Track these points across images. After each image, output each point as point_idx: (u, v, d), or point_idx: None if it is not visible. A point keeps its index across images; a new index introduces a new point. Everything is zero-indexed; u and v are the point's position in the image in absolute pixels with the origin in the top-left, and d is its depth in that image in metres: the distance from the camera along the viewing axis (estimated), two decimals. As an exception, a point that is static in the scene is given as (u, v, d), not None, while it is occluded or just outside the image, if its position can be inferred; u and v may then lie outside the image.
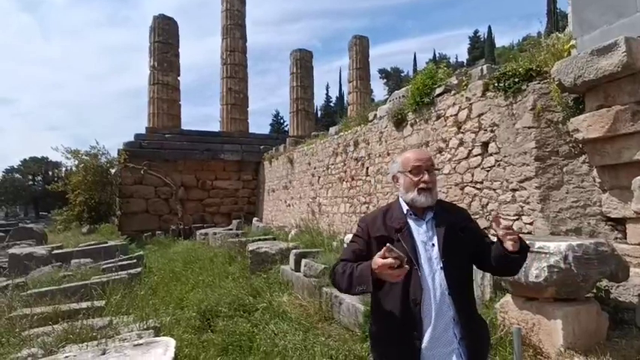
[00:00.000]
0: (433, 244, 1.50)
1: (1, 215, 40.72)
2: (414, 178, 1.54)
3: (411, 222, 1.56)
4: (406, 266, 1.29)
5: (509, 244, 1.39)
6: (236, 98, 17.73)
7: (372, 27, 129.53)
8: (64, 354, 2.08)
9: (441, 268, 1.45)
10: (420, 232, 1.53)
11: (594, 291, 3.18)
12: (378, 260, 1.29)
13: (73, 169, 15.94)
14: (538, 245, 2.97)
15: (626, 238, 3.54)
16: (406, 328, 1.43)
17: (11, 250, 7.34)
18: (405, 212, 1.58)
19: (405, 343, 1.43)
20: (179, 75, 17.16)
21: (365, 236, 1.58)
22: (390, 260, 1.27)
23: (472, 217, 1.69)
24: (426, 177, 1.53)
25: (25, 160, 46.12)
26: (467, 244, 1.52)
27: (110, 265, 6.19)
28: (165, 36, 16.56)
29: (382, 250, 1.30)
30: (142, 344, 2.02)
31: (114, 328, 3.22)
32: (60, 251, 7.44)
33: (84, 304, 3.94)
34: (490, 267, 1.54)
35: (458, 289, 1.45)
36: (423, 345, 1.41)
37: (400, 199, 1.63)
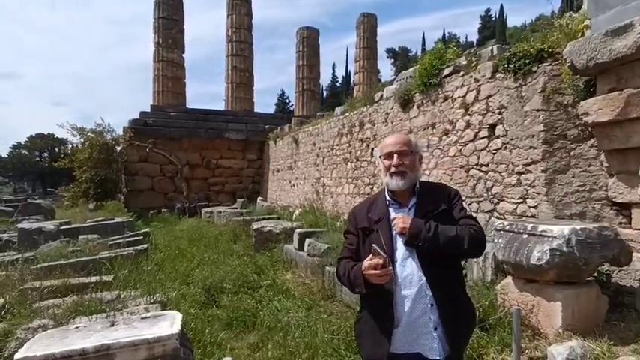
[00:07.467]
0: None
1: (9, 191, 41.24)
2: (387, 162, 1.57)
3: (391, 211, 1.58)
4: (390, 267, 1.38)
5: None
6: (241, 77, 17.55)
7: (385, 2, 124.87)
8: (74, 325, 2.14)
9: (417, 254, 1.47)
10: None
11: (595, 274, 3.20)
12: (365, 263, 1.41)
13: (79, 146, 15.98)
14: (541, 229, 2.98)
15: (630, 224, 3.53)
16: (381, 310, 1.48)
17: (20, 225, 7.46)
18: (387, 202, 1.60)
19: (379, 322, 1.49)
20: (184, 52, 16.96)
21: (353, 229, 1.64)
22: (374, 261, 1.37)
23: (461, 197, 1.65)
24: (394, 161, 1.54)
25: (31, 136, 46.41)
26: None
27: (117, 241, 6.30)
28: (169, 11, 16.27)
29: (369, 256, 1.41)
30: (149, 317, 2.08)
31: (122, 301, 3.31)
32: (68, 227, 7.56)
33: (93, 278, 4.04)
34: None
35: (436, 275, 1.45)
36: (397, 327, 1.45)
37: (385, 188, 1.65)
